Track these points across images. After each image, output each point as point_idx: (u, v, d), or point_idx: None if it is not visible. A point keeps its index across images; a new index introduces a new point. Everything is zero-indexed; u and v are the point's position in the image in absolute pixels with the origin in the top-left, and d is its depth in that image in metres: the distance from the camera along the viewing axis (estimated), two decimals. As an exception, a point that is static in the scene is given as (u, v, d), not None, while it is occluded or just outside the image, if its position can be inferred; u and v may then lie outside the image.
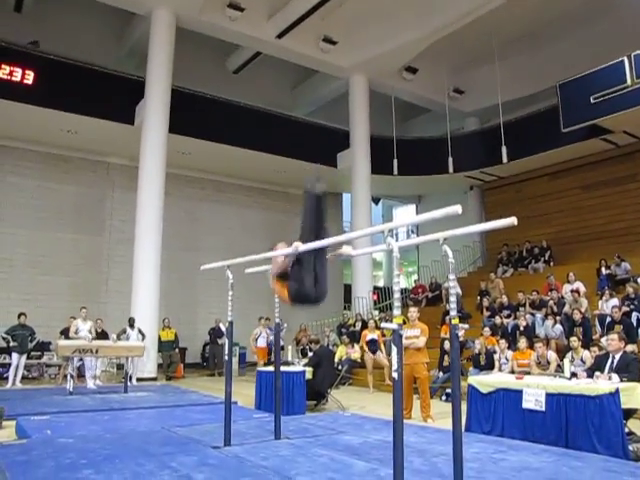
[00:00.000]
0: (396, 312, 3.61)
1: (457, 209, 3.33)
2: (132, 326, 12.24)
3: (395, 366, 3.55)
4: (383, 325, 3.50)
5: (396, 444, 3.42)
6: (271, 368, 8.99)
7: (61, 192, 15.69)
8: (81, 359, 11.23)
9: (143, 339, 12.34)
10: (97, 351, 10.34)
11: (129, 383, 11.04)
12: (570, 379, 6.23)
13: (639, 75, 12.83)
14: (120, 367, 13.67)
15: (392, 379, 3.57)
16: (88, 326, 11.42)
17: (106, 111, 13.99)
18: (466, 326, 4.66)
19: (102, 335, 11.81)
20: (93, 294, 15.49)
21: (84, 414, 7.71)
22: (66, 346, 10.08)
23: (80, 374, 11.98)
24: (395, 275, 3.67)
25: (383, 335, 11.90)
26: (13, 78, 12.95)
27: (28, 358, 12.31)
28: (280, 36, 15.08)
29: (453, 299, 4.11)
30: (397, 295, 3.66)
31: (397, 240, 3.96)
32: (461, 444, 3.82)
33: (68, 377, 10.33)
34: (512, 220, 3.49)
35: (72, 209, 15.78)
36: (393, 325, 3.56)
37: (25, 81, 13.08)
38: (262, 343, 13.53)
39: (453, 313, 4.07)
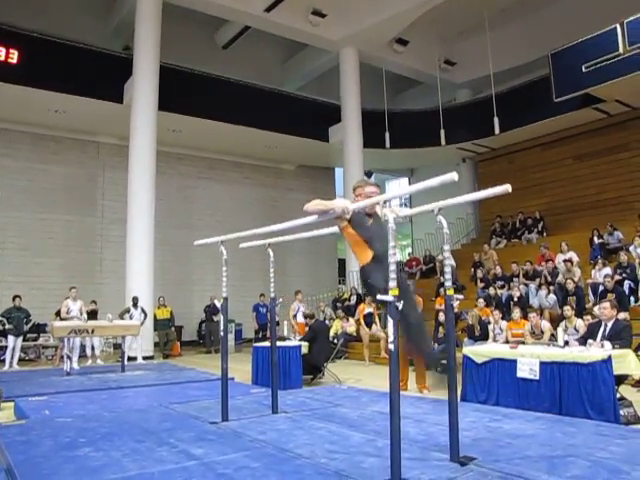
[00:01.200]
0: (392, 284, 3.61)
1: (453, 176, 3.31)
2: (135, 305, 12.28)
3: (391, 337, 3.57)
4: (379, 297, 3.54)
5: (393, 413, 3.45)
6: (267, 343, 9.07)
7: (51, 173, 15.58)
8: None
9: (145, 318, 12.41)
10: (93, 331, 10.34)
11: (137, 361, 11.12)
12: (563, 347, 6.30)
13: (632, 43, 12.68)
14: (117, 346, 13.72)
15: (388, 351, 3.59)
16: (78, 305, 11.44)
17: (94, 90, 13.83)
18: (461, 296, 4.69)
19: (92, 315, 11.81)
20: (87, 275, 15.48)
21: (82, 394, 7.72)
22: (61, 327, 10.07)
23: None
24: (391, 247, 3.66)
25: (378, 308, 11.97)
26: (-4, 57, 12.74)
27: (24, 340, 12.31)
28: (269, 10, 14.88)
29: (448, 269, 4.11)
30: (393, 267, 3.65)
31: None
32: (457, 413, 3.85)
33: (65, 358, 10.38)
34: (506, 187, 3.46)
35: (63, 190, 15.67)
36: (389, 297, 3.57)
37: (9, 60, 12.85)
38: (301, 318, 12.50)
39: (448, 284, 4.08)
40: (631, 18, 12.71)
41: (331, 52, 17.41)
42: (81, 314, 11.24)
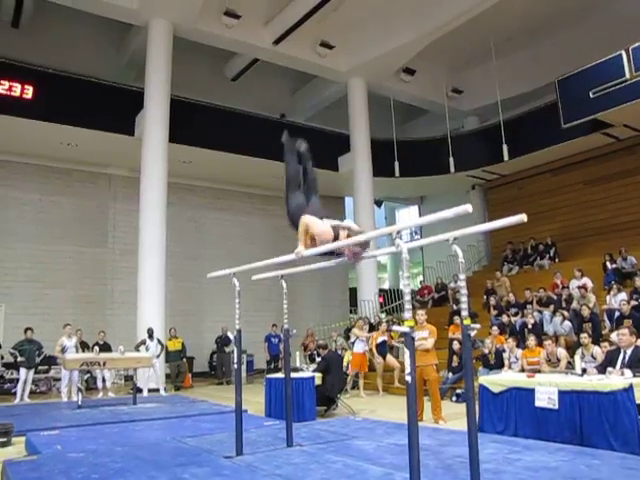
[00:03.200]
0: (407, 315, 3.57)
1: (467, 208, 3.28)
2: (151, 337, 12.28)
3: (408, 369, 3.52)
4: (394, 328, 3.47)
5: (412, 447, 3.38)
6: (280, 375, 8.99)
7: (63, 205, 15.71)
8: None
9: (162, 349, 12.39)
10: (105, 363, 10.29)
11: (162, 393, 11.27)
12: (582, 376, 6.19)
13: (638, 68, 12.77)
14: (128, 379, 13.64)
15: (405, 382, 3.53)
16: (74, 342, 11.42)
17: (106, 123, 14.02)
18: (478, 326, 4.63)
19: (105, 347, 11.79)
20: (99, 306, 15.50)
21: (94, 427, 7.66)
22: (73, 359, 10.05)
23: (88, 387, 12.00)
24: (405, 277, 3.64)
25: (391, 338, 11.87)
26: (12, 93, 13.01)
27: (36, 373, 12.28)
28: (277, 42, 15.10)
29: (464, 299, 4.07)
30: (407, 297, 3.63)
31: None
32: (477, 446, 3.77)
33: (76, 390, 10.32)
34: (522, 217, 3.45)
35: (74, 221, 15.77)
36: (405, 328, 3.52)
37: (25, 96, 13.13)
38: (359, 349, 11.60)
39: (465, 313, 4.02)
40: (636, 44, 12.82)
41: (339, 82, 17.60)
42: (77, 350, 11.20)
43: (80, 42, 16.10)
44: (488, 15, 14.32)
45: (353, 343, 11.61)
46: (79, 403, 9.78)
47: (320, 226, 4.27)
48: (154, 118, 13.73)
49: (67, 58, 15.28)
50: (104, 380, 12.19)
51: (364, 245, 4.22)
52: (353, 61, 16.54)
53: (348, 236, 4.16)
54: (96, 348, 10.88)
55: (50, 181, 15.61)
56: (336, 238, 4.20)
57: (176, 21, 14.05)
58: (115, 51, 17.01)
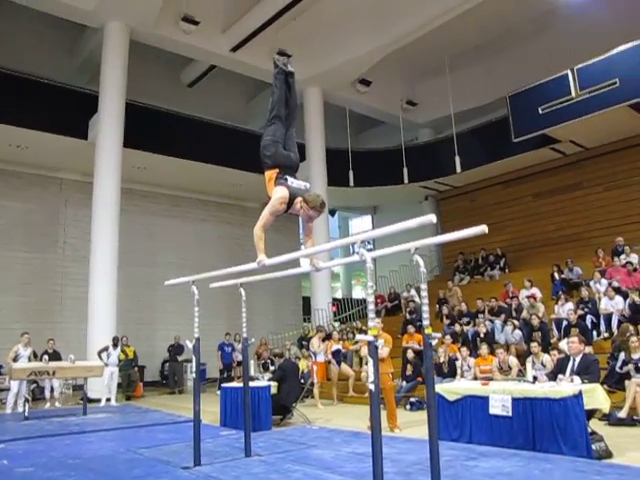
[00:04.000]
0: (371, 323, 3.63)
1: (431, 218, 3.37)
2: (115, 345, 12.05)
3: (371, 377, 3.56)
4: (358, 337, 3.50)
5: (375, 456, 3.42)
6: (236, 384, 8.92)
7: (11, 209, 15.17)
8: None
9: (125, 359, 12.15)
10: (54, 373, 9.99)
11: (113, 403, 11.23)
12: (533, 383, 6.37)
13: (582, 87, 13.35)
14: (77, 388, 13.26)
15: (369, 391, 3.58)
16: (29, 352, 11.07)
17: (58, 126, 13.68)
18: (439, 335, 4.69)
19: (54, 356, 11.43)
20: (47, 314, 15.04)
21: (43, 440, 7.41)
22: (21, 369, 9.71)
23: (34, 397, 11.59)
24: (369, 286, 3.69)
25: (346, 346, 11.94)
26: (-41, 92, 12.55)
27: (-23, 383, 11.82)
28: (235, 49, 15.08)
29: (425, 309, 4.15)
30: (371, 307, 3.68)
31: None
32: (438, 453, 3.84)
33: (21, 401, 9.98)
34: (482, 228, 3.54)
35: (23, 226, 15.27)
36: (369, 337, 3.57)
37: (-28, 95, 12.69)
38: (321, 358, 11.48)
39: (426, 322, 4.10)
40: (581, 65, 13.43)
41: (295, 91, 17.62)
42: (29, 360, 10.86)
43: (33, 42, 15.64)
44: (443, 30, 14.67)
45: (314, 353, 11.53)
46: (26, 414, 9.48)
47: (277, 194, 4.32)
48: (108, 122, 13.47)
49: (20, 57, 14.84)
50: (52, 390, 11.81)
51: (319, 210, 4.32)
52: (310, 70, 16.62)
53: (301, 204, 4.28)
54: (45, 357, 10.54)
55: (-1, 184, 15.10)
56: (290, 204, 4.31)
57: (133, 24, 13.85)
58: (70, 53, 16.62)
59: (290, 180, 4.41)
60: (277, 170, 4.45)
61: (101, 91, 13.72)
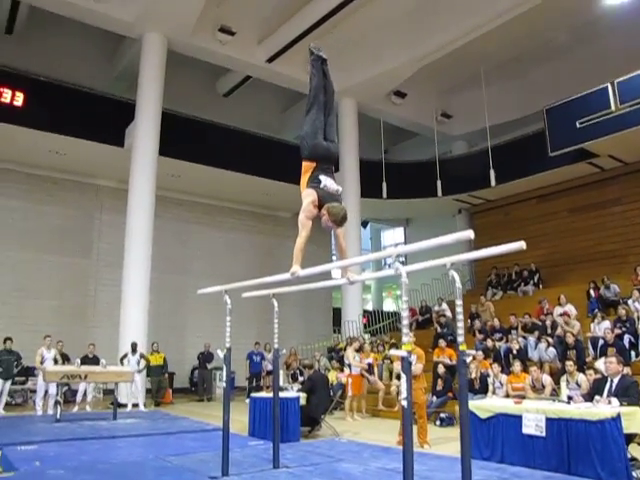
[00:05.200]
0: (405, 339, 3.57)
1: (469, 234, 3.31)
2: (134, 351, 12.15)
3: (404, 394, 3.50)
4: (392, 352, 3.46)
5: (406, 474, 3.36)
6: (265, 394, 8.91)
7: (48, 214, 15.50)
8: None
9: (146, 365, 12.27)
10: (86, 377, 10.12)
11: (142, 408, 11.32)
12: (568, 403, 6.21)
13: (622, 101, 13.05)
14: (107, 392, 13.42)
15: (401, 407, 3.52)
16: (53, 354, 11.25)
17: (96, 133, 13.94)
18: (474, 352, 4.58)
19: (94, 360, 11.61)
20: (80, 318, 15.28)
21: (73, 443, 7.50)
22: (53, 372, 9.87)
23: (66, 399, 11.76)
24: (404, 301, 3.64)
25: (376, 359, 11.83)
26: (3, 99, 12.89)
27: (12, 384, 12.01)
28: (270, 60, 15.19)
29: (460, 325, 4.06)
30: (405, 322, 3.63)
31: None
32: (470, 474, 3.75)
33: (51, 403, 10.12)
34: (521, 244, 3.47)
35: (59, 231, 15.57)
36: (402, 352, 3.52)
37: (15, 102, 13.01)
38: (356, 371, 11.03)
39: (461, 339, 4.02)
40: (621, 78, 13.12)
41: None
42: (55, 362, 11.03)
43: (73, 51, 16.04)
44: (478, 42, 14.55)
45: (349, 365, 11.41)
46: (57, 417, 9.61)
47: (307, 197, 4.28)
48: (144, 130, 13.69)
49: (60, 67, 15.21)
50: (85, 394, 11.96)
51: (338, 224, 4.28)
52: (345, 82, 16.63)
53: (325, 211, 4.22)
54: (77, 360, 10.69)
55: (36, 189, 15.40)
56: (319, 208, 4.27)
57: (170, 35, 14.08)
58: (108, 62, 16.98)
59: (323, 182, 4.31)
60: (314, 164, 4.35)
61: (138, 100, 13.96)
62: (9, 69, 13.41)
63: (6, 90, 12.92)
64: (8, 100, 12.95)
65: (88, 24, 13.90)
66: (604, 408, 5.61)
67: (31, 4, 13.67)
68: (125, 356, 12.08)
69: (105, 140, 14.13)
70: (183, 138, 15.08)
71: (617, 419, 5.30)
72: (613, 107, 13.20)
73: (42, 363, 10.92)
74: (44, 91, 13.56)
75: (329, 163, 4.43)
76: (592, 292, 12.65)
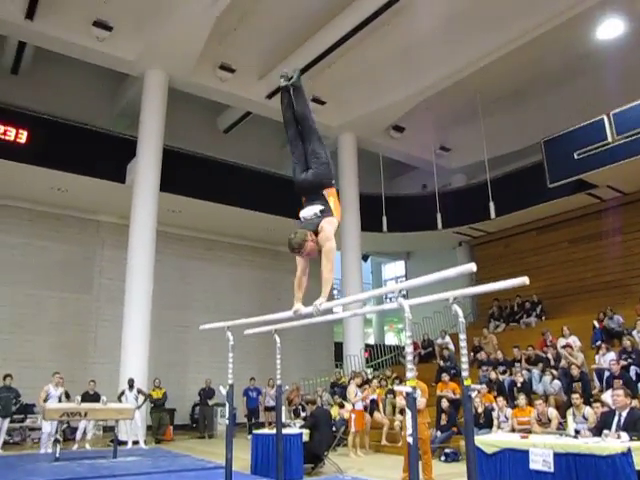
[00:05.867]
0: (409, 374, 3.54)
1: (471, 267, 3.32)
2: (131, 387, 12.02)
3: (410, 430, 3.46)
4: (397, 388, 3.39)
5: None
6: (267, 430, 8.79)
7: (49, 250, 15.51)
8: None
9: (145, 400, 12.15)
10: (86, 414, 10.00)
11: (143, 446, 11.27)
12: (576, 437, 6.11)
13: (619, 132, 13.20)
14: (107, 430, 13.25)
15: (407, 443, 3.47)
16: (59, 392, 11.13)
17: (97, 170, 14.04)
18: (479, 387, 4.54)
19: (94, 397, 11.49)
20: (80, 354, 15.16)
21: (73, 483, 7.38)
22: (54, 409, 9.74)
23: (65, 437, 11.60)
24: (407, 337, 3.62)
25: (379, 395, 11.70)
26: (7, 137, 13.04)
27: (11, 422, 11.85)
28: (270, 96, 15.36)
29: (465, 359, 4.02)
30: (410, 357, 3.61)
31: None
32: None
33: (52, 441, 9.97)
34: (524, 280, 3.48)
35: (59, 267, 15.56)
36: (407, 388, 3.48)
37: (18, 140, 13.16)
38: (359, 406, 10.83)
39: (465, 374, 3.98)
40: (617, 110, 13.30)
41: (329, 137, 17.85)
42: (60, 401, 10.91)
43: (76, 90, 16.25)
44: (476, 76, 14.82)
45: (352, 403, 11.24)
46: (57, 455, 9.45)
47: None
48: (146, 166, 13.80)
49: (63, 105, 15.40)
50: (85, 431, 11.80)
51: (290, 250, 4.17)
52: (344, 117, 16.89)
53: (311, 243, 4.14)
54: (77, 398, 10.56)
55: (37, 225, 15.43)
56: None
57: (172, 72, 14.31)
58: (110, 100, 17.20)
59: (302, 216, 4.31)
60: (303, 199, 4.36)
61: (140, 136, 14.10)
62: (13, 107, 13.58)
63: (10, 128, 13.08)
64: (12, 138, 13.10)
65: (91, 63, 14.15)
66: (613, 443, 5.52)
67: (36, 45, 13.95)
68: (122, 393, 11.93)
69: (106, 176, 14.23)
70: (184, 174, 15.19)
71: (628, 454, 5.20)
72: (610, 138, 13.35)
73: (46, 400, 10.77)
74: (47, 129, 13.71)
75: (309, 193, 4.35)
76: (596, 323, 12.58)
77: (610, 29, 14.22)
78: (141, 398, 12.09)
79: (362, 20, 13.02)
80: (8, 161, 12.98)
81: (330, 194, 4.35)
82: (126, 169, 14.43)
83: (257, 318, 5.19)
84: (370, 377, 13.67)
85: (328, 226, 4.15)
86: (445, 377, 11.19)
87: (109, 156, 14.51)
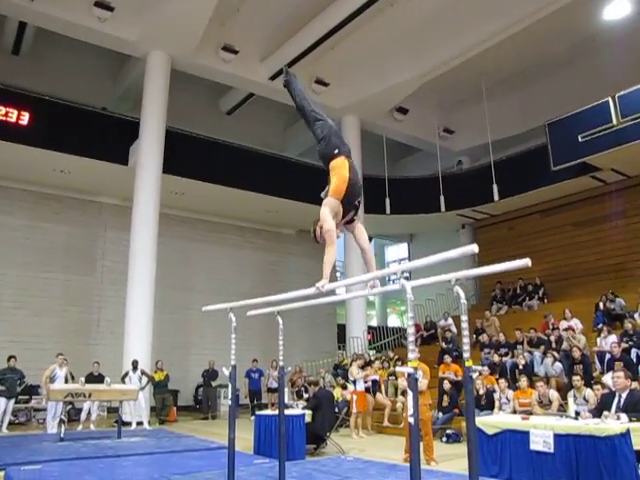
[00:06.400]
0: (411, 355, 3.54)
1: (473, 248, 3.29)
2: (135, 369, 12.10)
3: (411, 411, 3.47)
4: (398, 369, 3.39)
5: (415, 492, 3.32)
6: (270, 412, 8.86)
7: (52, 232, 15.55)
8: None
9: (148, 382, 12.22)
10: (90, 395, 10.08)
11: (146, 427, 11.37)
12: (576, 419, 6.15)
13: (624, 115, 13.10)
14: (111, 410, 13.37)
15: (408, 424, 3.49)
16: (64, 372, 11.21)
17: (100, 152, 14.01)
18: (480, 367, 4.57)
19: (98, 379, 11.58)
20: (84, 335, 15.25)
21: (77, 462, 7.45)
22: (58, 390, 9.83)
23: (70, 418, 11.71)
24: (409, 318, 3.62)
25: (381, 376, 11.76)
26: (8, 119, 12.97)
27: (16, 403, 11.96)
28: (273, 78, 15.27)
29: (466, 341, 4.02)
30: (411, 338, 3.60)
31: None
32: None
33: (57, 422, 10.07)
34: (526, 261, 3.44)
35: (63, 249, 15.61)
36: (409, 369, 3.49)
37: (20, 122, 13.10)
38: (361, 387, 10.94)
39: (466, 355, 3.98)
40: (622, 93, 13.19)
41: (333, 119, 17.73)
42: (66, 381, 10.99)
43: (78, 71, 16.19)
44: (480, 58, 14.70)
45: (354, 381, 11.34)
46: (61, 435, 9.55)
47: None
48: (148, 149, 13.75)
49: (65, 86, 15.37)
50: (89, 412, 11.92)
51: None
52: (347, 99, 16.77)
53: (318, 229, 4.17)
54: (81, 379, 10.65)
55: (40, 207, 15.45)
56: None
57: (174, 54, 14.21)
58: (112, 81, 17.13)
59: None
60: None
61: (142, 118, 14.04)
62: (14, 89, 13.51)
63: (12, 110, 13.01)
64: (14, 120, 13.02)
65: (93, 44, 14.04)
66: (613, 424, 5.56)
67: (37, 25, 13.84)
68: (126, 374, 12.03)
69: (109, 158, 14.19)
70: (187, 156, 15.13)
71: (626, 435, 5.24)
72: (615, 121, 13.27)
73: (52, 381, 10.85)
74: (49, 110, 13.65)
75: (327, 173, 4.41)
76: (601, 305, 12.59)
77: (617, 9, 14.07)
78: (144, 380, 12.18)
79: (366, 1, 12.86)
80: (10, 143, 12.93)
81: (332, 167, 4.31)
82: (129, 151, 14.39)
83: (260, 299, 5.18)
84: (372, 359, 13.69)
85: (322, 208, 4.13)
86: (447, 359, 11.23)
87: (112, 138, 14.45)
